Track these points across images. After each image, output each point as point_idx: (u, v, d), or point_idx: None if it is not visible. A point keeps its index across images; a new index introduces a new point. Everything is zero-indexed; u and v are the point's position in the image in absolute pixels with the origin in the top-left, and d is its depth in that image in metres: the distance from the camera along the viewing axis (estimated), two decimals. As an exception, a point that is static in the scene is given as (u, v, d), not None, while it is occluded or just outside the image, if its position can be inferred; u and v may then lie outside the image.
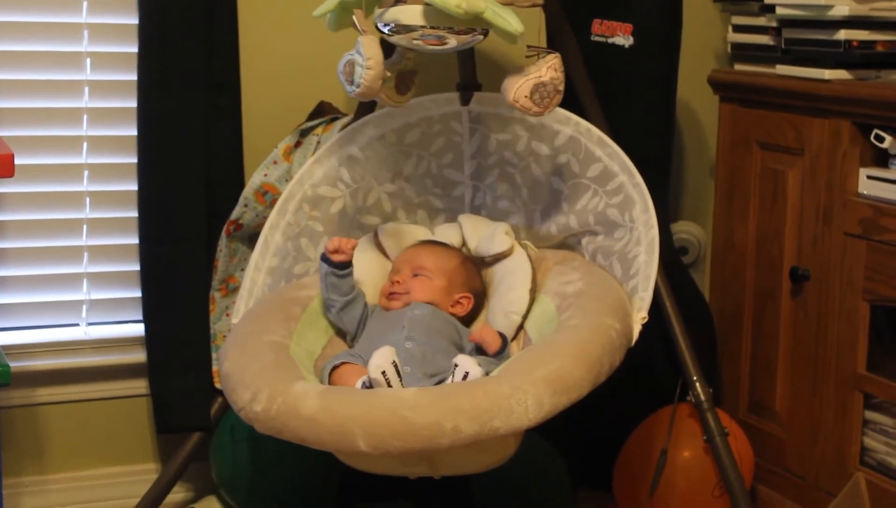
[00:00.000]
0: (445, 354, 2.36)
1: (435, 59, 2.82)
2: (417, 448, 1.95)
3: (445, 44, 2.26)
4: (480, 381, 2.11)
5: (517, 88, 2.29)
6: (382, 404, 1.99)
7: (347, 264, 2.45)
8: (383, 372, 2.14)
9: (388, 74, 2.36)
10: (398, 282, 2.51)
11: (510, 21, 2.23)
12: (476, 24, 2.26)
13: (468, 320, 2.56)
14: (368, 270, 2.58)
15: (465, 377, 2.13)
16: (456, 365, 2.18)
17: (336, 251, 2.43)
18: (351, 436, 1.95)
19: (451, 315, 2.49)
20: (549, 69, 2.28)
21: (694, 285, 3.06)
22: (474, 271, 2.58)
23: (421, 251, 2.57)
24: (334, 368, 2.29)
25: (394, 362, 2.16)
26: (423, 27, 2.24)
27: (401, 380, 2.16)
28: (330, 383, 2.27)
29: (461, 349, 2.40)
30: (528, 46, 2.31)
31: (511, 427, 1.98)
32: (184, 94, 2.78)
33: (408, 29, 2.27)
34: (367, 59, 2.27)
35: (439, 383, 2.27)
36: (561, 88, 2.30)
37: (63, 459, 2.92)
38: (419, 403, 1.97)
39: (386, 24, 2.28)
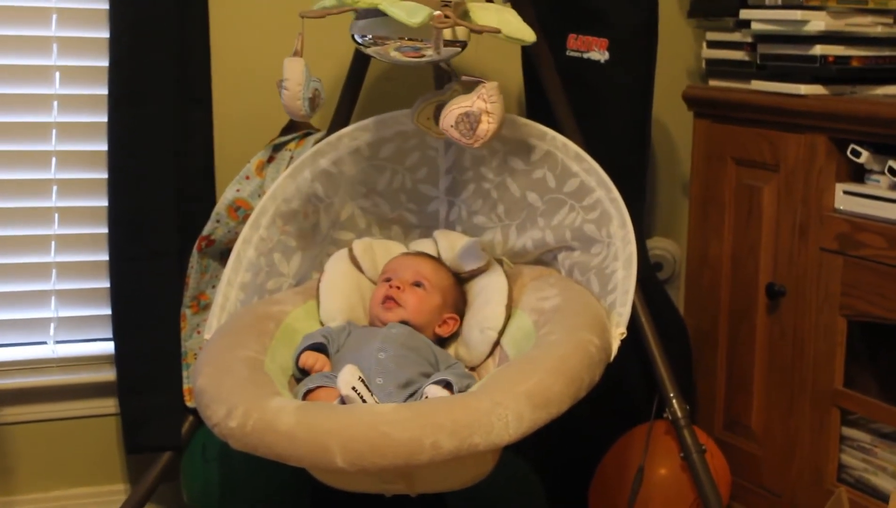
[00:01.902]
0: (418, 366, 2.34)
1: (410, 72, 2.81)
2: (396, 465, 1.92)
3: (423, 56, 2.24)
4: (460, 396, 2.09)
5: (445, 117, 2.27)
6: (361, 419, 1.96)
7: None
8: (353, 388, 2.12)
9: (312, 95, 2.39)
10: (398, 288, 2.48)
11: (410, 13, 2.18)
12: (410, 30, 2.22)
13: (444, 339, 2.54)
14: (343, 286, 2.55)
15: None
16: (426, 397, 2.17)
17: (312, 370, 2.37)
18: (328, 452, 1.92)
19: (428, 338, 2.47)
20: (478, 99, 2.25)
21: (669, 302, 3.05)
22: (462, 294, 2.57)
23: (422, 262, 2.55)
24: (308, 391, 2.27)
25: (360, 377, 2.14)
26: (400, 38, 2.22)
27: (371, 393, 2.15)
28: None
29: (435, 368, 2.38)
30: (463, 77, 2.30)
31: (491, 443, 1.95)
32: (155, 108, 2.74)
33: (383, 41, 2.24)
34: (285, 81, 2.36)
35: (412, 394, 2.27)
36: (485, 118, 2.24)
37: (30, 479, 2.88)
38: (398, 418, 1.94)
39: (362, 35, 2.26)
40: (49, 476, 2.90)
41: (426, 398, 2.18)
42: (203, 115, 2.82)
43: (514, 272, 2.57)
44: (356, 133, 2.60)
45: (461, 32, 2.24)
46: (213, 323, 2.43)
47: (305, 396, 2.26)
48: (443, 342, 2.53)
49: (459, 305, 2.55)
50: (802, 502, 2.74)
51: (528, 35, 2.32)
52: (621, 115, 2.90)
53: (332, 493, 2.20)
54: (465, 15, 2.25)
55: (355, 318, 2.54)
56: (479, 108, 2.24)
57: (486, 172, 2.60)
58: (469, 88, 2.27)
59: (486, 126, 2.25)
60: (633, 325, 2.58)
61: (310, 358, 2.37)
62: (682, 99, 3.07)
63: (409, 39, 2.22)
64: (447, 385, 2.25)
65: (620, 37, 2.85)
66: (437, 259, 2.58)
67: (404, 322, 2.45)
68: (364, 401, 2.12)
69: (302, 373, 2.38)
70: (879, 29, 2.74)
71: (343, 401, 2.14)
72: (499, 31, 2.23)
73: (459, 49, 2.26)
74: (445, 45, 2.24)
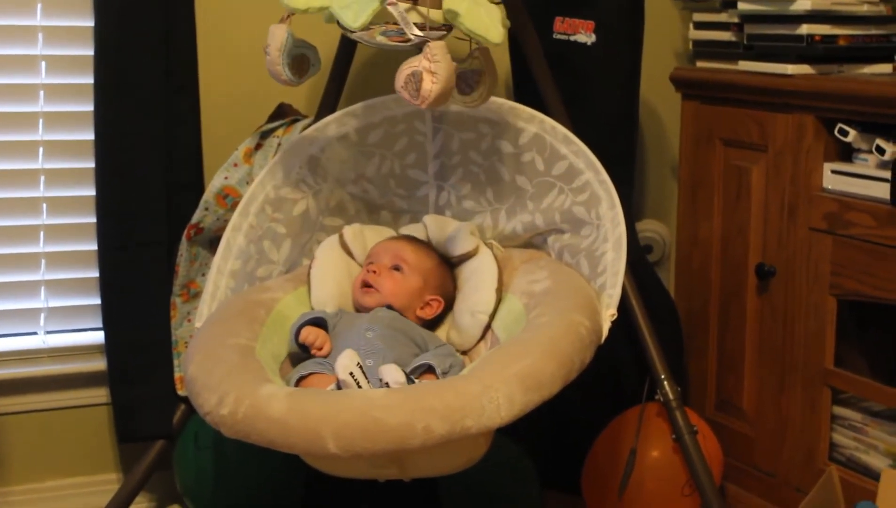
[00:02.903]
0: (406, 347, 2.35)
1: (398, 57, 2.80)
2: (388, 449, 1.92)
3: (409, 40, 2.23)
4: (451, 380, 2.09)
5: (397, 78, 2.24)
6: (352, 405, 1.96)
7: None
8: (351, 373, 2.12)
9: (293, 59, 2.40)
10: (375, 272, 2.48)
11: (355, 15, 2.19)
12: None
13: (434, 323, 2.54)
14: (334, 272, 2.55)
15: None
16: (380, 378, 2.17)
17: (313, 346, 2.37)
18: (321, 438, 1.92)
19: (414, 322, 2.47)
20: (423, 58, 2.23)
21: (660, 284, 3.05)
22: (448, 276, 2.56)
23: (403, 245, 2.54)
24: (301, 378, 2.27)
25: (358, 363, 2.14)
26: (386, 23, 2.21)
27: (367, 380, 2.15)
28: None
29: (423, 349, 2.38)
30: (414, 35, 2.24)
31: (483, 426, 1.95)
32: (141, 96, 2.74)
33: (369, 25, 2.23)
34: (267, 46, 2.38)
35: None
36: (427, 77, 2.18)
37: (23, 470, 2.88)
38: (390, 403, 1.95)
39: (349, 20, 2.25)
40: (42, 466, 2.89)
41: (380, 378, 2.18)
42: (190, 102, 2.81)
43: (504, 256, 2.57)
44: (344, 119, 2.60)
45: (440, 16, 2.22)
46: (204, 311, 2.43)
47: (298, 383, 2.26)
48: (434, 326, 2.53)
49: (447, 287, 2.55)
50: (795, 481, 2.75)
51: (494, 35, 2.26)
52: (609, 97, 2.90)
53: (325, 479, 2.20)
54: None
55: (346, 304, 2.53)
56: (424, 67, 2.21)
57: (475, 156, 2.59)
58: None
59: (430, 85, 2.19)
60: (624, 307, 2.58)
61: (311, 333, 2.37)
62: (670, 81, 3.07)
63: (394, 24, 2.21)
64: (429, 369, 2.25)
65: (607, 19, 2.84)
66: (420, 242, 2.58)
67: (389, 307, 2.45)
68: (360, 387, 2.12)
69: (301, 349, 2.38)
70: (865, 7, 2.73)
71: (339, 385, 2.14)
72: None
73: (445, 32, 2.25)
74: (431, 29, 2.23)
